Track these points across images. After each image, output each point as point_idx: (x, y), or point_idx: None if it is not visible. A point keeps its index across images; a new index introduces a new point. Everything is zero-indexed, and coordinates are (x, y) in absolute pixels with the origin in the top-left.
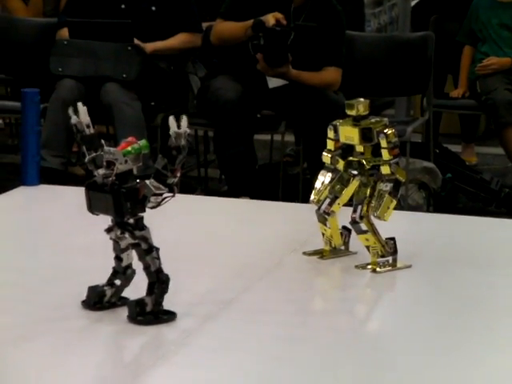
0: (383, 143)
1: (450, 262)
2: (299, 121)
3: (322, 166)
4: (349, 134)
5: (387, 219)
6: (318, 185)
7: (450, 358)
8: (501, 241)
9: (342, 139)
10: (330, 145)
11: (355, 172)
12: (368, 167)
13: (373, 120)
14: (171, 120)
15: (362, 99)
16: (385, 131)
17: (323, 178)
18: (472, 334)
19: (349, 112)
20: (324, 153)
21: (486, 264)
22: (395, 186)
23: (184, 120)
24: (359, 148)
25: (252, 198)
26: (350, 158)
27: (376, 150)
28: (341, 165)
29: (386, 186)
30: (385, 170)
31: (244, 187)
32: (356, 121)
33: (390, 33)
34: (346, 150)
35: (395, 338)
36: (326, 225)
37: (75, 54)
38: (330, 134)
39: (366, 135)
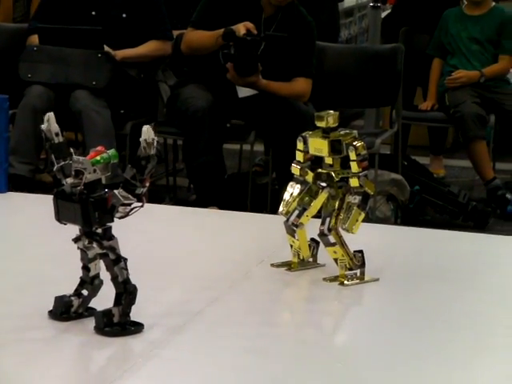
0: (352, 156)
1: (417, 275)
2: (268, 131)
3: (290, 177)
4: (318, 146)
5: (355, 232)
6: (286, 196)
7: (414, 372)
8: (467, 254)
9: (312, 151)
10: (300, 156)
11: (324, 184)
12: (337, 179)
13: (342, 132)
14: (145, 129)
15: (331, 111)
16: (354, 144)
17: (292, 190)
18: (437, 348)
19: (318, 124)
20: (293, 164)
21: (452, 277)
22: (364, 199)
23: (150, 128)
24: (328, 160)
25: (220, 207)
26: (319, 170)
27: (345, 163)
28: (310, 176)
29: (354, 199)
30: (354, 182)
31: (213, 197)
32: (325, 133)
33: (359, 44)
34: (315, 162)
35: (361, 351)
36: (294, 236)
37: (45, 60)
38: (300, 145)
39: (336, 147)
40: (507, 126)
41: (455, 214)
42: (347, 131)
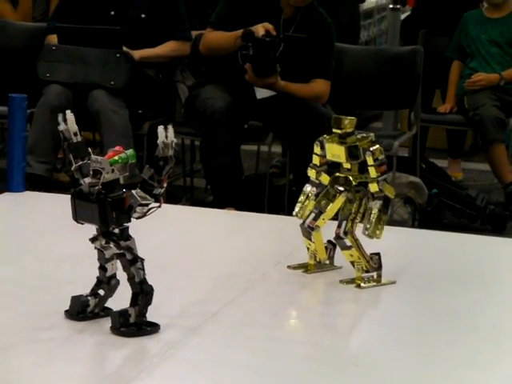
0: (370, 161)
1: (434, 279)
2: (286, 132)
3: (307, 179)
4: (335, 152)
5: (380, 237)
6: (301, 199)
7: (432, 376)
8: (485, 258)
9: (329, 156)
10: (316, 160)
11: (342, 188)
12: (355, 184)
13: (359, 136)
14: (160, 130)
15: (348, 117)
16: (371, 149)
17: (307, 192)
18: (455, 352)
19: (334, 130)
20: (309, 168)
21: (469, 281)
22: (384, 203)
23: (170, 130)
24: (346, 165)
25: (237, 209)
26: (337, 174)
27: (363, 167)
28: (326, 180)
29: (375, 204)
30: (373, 187)
31: (230, 198)
32: (342, 138)
33: (378, 45)
34: (332, 165)
35: (376, 353)
36: (310, 239)
37: (63, 59)
38: (317, 149)
39: (353, 153)
40: None
41: (473, 218)
42: (364, 135)
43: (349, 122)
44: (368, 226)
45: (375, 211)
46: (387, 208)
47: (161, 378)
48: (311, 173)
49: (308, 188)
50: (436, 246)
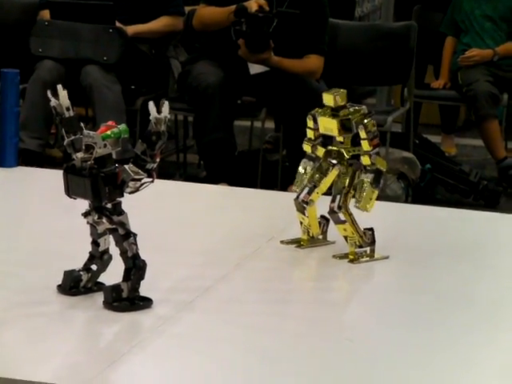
0: (362, 134)
1: (427, 254)
2: (280, 108)
3: (301, 154)
4: (328, 125)
5: (369, 210)
6: (300, 174)
7: (425, 351)
8: (478, 233)
9: (322, 130)
10: (310, 134)
11: (334, 161)
12: (348, 157)
13: (351, 109)
14: (151, 105)
15: (339, 89)
16: (363, 122)
17: (305, 167)
18: (449, 327)
19: (326, 103)
20: (304, 142)
21: (462, 256)
22: (376, 177)
23: (166, 105)
24: (339, 138)
25: (230, 184)
26: (330, 148)
27: (356, 139)
28: (321, 152)
29: (367, 177)
30: (365, 160)
31: (222, 174)
32: (334, 111)
33: (372, 21)
34: (326, 138)
35: (370, 329)
36: (304, 214)
37: (56, 35)
38: (310, 123)
39: (345, 126)
40: None
41: (466, 193)
42: (356, 107)
43: (339, 94)
44: (359, 198)
45: (367, 184)
46: (379, 181)
47: (153, 353)
48: (306, 147)
49: (305, 163)
50: (429, 221)
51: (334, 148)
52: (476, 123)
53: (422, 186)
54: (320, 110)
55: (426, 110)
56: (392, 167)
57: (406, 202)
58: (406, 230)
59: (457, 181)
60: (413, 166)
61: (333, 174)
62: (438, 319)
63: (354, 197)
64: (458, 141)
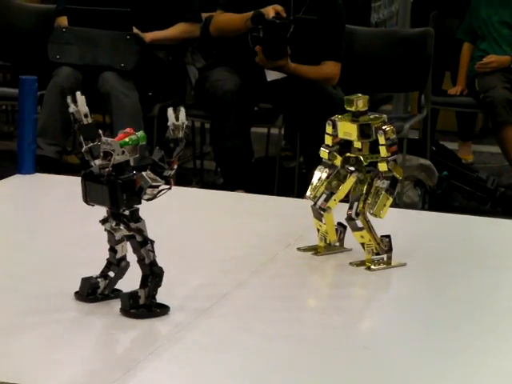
0: (381, 140)
1: (445, 261)
2: (297, 114)
3: (318, 161)
4: (347, 129)
5: (383, 217)
6: (314, 180)
7: (442, 359)
8: (495, 240)
9: (341, 135)
10: (328, 140)
11: (352, 168)
12: (365, 164)
13: (372, 116)
14: (170, 112)
15: (361, 95)
16: (383, 128)
17: (320, 174)
18: (466, 335)
19: (348, 108)
20: (322, 148)
21: (480, 263)
22: (392, 184)
23: (182, 112)
24: (357, 144)
25: (247, 191)
26: (348, 154)
27: (374, 147)
28: (338, 160)
29: (382, 184)
30: (382, 167)
31: (240, 180)
32: (355, 117)
33: (389, 27)
34: (343, 146)
35: (387, 336)
36: (321, 221)
37: (73, 41)
38: (329, 129)
39: (365, 131)
40: None
41: (483, 200)
42: (377, 115)
43: (362, 100)
44: (373, 204)
45: (382, 190)
46: (394, 189)
47: (170, 360)
48: (324, 154)
49: (321, 169)
50: (446, 228)
51: (352, 155)
52: (493, 130)
53: (438, 193)
54: (340, 116)
55: (444, 116)
56: (409, 174)
57: (422, 209)
58: (423, 237)
59: (474, 188)
60: (430, 173)
61: (350, 181)
62: (455, 326)
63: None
64: (475, 148)
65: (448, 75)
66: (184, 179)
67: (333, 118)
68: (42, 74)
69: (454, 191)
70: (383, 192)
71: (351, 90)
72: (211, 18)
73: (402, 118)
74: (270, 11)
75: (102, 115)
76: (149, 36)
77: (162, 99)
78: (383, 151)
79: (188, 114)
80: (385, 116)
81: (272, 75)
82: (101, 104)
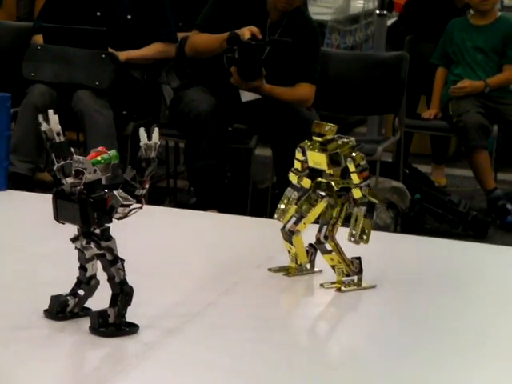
0: (351, 167)
1: (416, 283)
2: (271, 136)
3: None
4: (317, 159)
5: (368, 242)
6: (283, 203)
7: (411, 380)
8: (466, 263)
9: (311, 164)
10: (298, 165)
11: (323, 193)
12: (337, 189)
13: (340, 142)
14: (142, 131)
15: (329, 124)
16: (352, 155)
17: (289, 196)
18: (434, 356)
19: (315, 138)
20: (291, 172)
21: (450, 286)
22: (369, 208)
23: (156, 132)
24: (328, 171)
25: (220, 211)
26: (319, 179)
27: (345, 171)
28: (307, 184)
29: (360, 210)
30: (356, 194)
31: (212, 200)
32: (323, 145)
33: (364, 51)
34: (313, 171)
35: (357, 358)
36: (291, 243)
37: (49, 59)
38: (298, 155)
39: (334, 159)
40: (510, 136)
41: (455, 223)
42: (344, 140)
43: (329, 128)
44: (354, 232)
45: (360, 217)
46: (372, 213)
47: (139, 379)
48: (293, 177)
49: (289, 192)
50: (418, 251)
51: (324, 180)
52: (466, 154)
53: (411, 216)
54: (309, 143)
55: (418, 139)
56: (382, 196)
57: (394, 231)
58: (395, 260)
59: (446, 211)
60: (402, 196)
61: (321, 206)
62: (424, 348)
63: (345, 228)
64: (448, 171)
65: (424, 99)
66: (157, 198)
67: (302, 144)
68: (16, 91)
69: (426, 214)
70: (362, 218)
71: (326, 112)
72: (187, 38)
73: (375, 141)
74: (245, 32)
75: (76, 133)
76: (124, 55)
77: (136, 118)
78: (355, 178)
79: (162, 134)
80: (352, 139)
81: (247, 96)
82: (75, 122)
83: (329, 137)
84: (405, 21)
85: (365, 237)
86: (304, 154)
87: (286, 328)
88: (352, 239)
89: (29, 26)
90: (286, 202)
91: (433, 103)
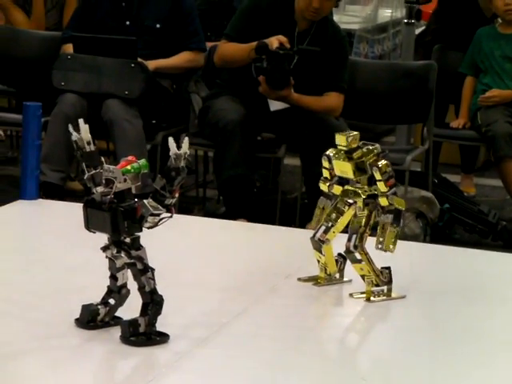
0: (377, 176)
1: (445, 294)
2: (299, 145)
3: (320, 192)
4: (343, 168)
5: (393, 251)
6: (317, 212)
7: None
8: (495, 274)
9: (337, 173)
10: (326, 173)
11: (351, 201)
12: (364, 196)
13: (365, 149)
14: (171, 141)
15: (352, 132)
16: (377, 164)
17: (322, 206)
18: (465, 368)
19: (339, 146)
20: (321, 181)
21: (480, 297)
22: (396, 216)
23: (185, 141)
24: (355, 179)
25: (249, 220)
26: (346, 187)
27: (372, 179)
28: (338, 191)
29: (386, 218)
30: (383, 202)
31: (242, 209)
32: (348, 153)
33: (392, 60)
34: (341, 178)
35: (386, 368)
36: (321, 252)
37: (78, 68)
38: (325, 163)
39: (360, 167)
40: None
41: (484, 233)
42: (369, 147)
43: (352, 138)
44: (381, 239)
45: (387, 225)
46: (399, 221)
47: None
48: (323, 186)
49: (322, 202)
50: (447, 261)
51: (351, 188)
52: (495, 163)
53: (440, 226)
54: (334, 152)
55: (447, 149)
56: (410, 206)
57: (424, 241)
58: (424, 270)
59: (475, 221)
60: (431, 206)
61: (349, 214)
62: (454, 359)
63: (373, 237)
64: (477, 181)
65: (452, 108)
66: (186, 207)
67: (327, 153)
68: (46, 101)
69: (455, 224)
70: (389, 226)
71: (354, 121)
72: (216, 48)
73: (404, 150)
74: (273, 42)
75: (106, 142)
76: (153, 64)
77: (165, 127)
78: (381, 186)
79: (191, 143)
80: (377, 146)
81: (275, 105)
82: (104, 131)
83: (353, 145)
84: (433, 30)
85: (391, 246)
86: (330, 161)
87: (315, 338)
88: (379, 246)
89: (58, 35)
90: (318, 212)
91: (461, 113)
